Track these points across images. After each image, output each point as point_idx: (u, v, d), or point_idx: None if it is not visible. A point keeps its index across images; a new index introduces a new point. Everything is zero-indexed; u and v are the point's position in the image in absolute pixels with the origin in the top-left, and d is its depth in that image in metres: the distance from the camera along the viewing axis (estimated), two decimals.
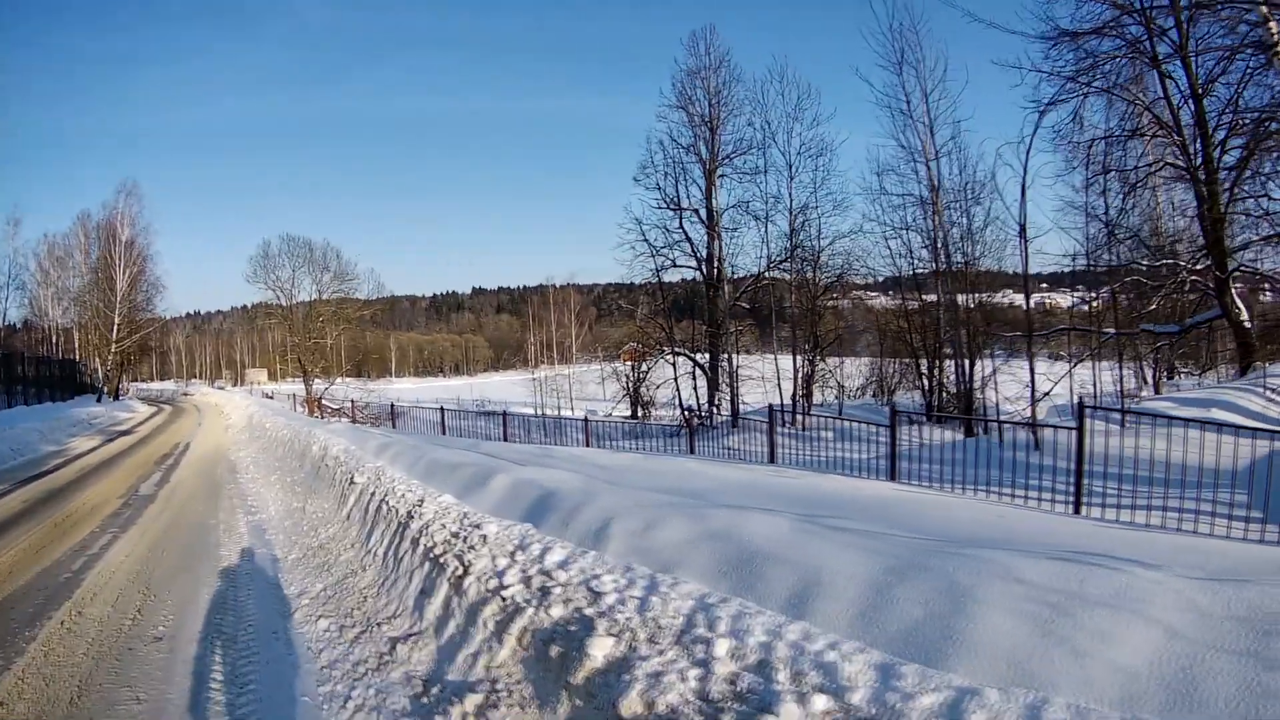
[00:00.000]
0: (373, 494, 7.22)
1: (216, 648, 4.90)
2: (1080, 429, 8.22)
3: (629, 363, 32.14)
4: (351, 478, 8.14)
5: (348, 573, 6.12)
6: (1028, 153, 14.90)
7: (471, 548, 4.64)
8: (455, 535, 5.00)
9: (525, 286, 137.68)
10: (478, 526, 4.94)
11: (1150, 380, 20.89)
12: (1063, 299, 24.22)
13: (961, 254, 21.24)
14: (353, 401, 24.67)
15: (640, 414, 27.87)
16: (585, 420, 17.73)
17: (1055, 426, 10.22)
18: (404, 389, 49.43)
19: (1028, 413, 15.53)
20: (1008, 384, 19.65)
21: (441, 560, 4.79)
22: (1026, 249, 15.29)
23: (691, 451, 14.74)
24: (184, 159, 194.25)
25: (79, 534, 8.28)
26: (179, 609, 5.69)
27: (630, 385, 28.78)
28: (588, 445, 16.00)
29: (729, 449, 15.46)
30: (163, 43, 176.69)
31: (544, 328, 65.87)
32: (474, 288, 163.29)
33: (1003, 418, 14.22)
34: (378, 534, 6.38)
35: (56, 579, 6.54)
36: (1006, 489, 8.55)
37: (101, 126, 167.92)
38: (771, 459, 12.31)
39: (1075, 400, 10.44)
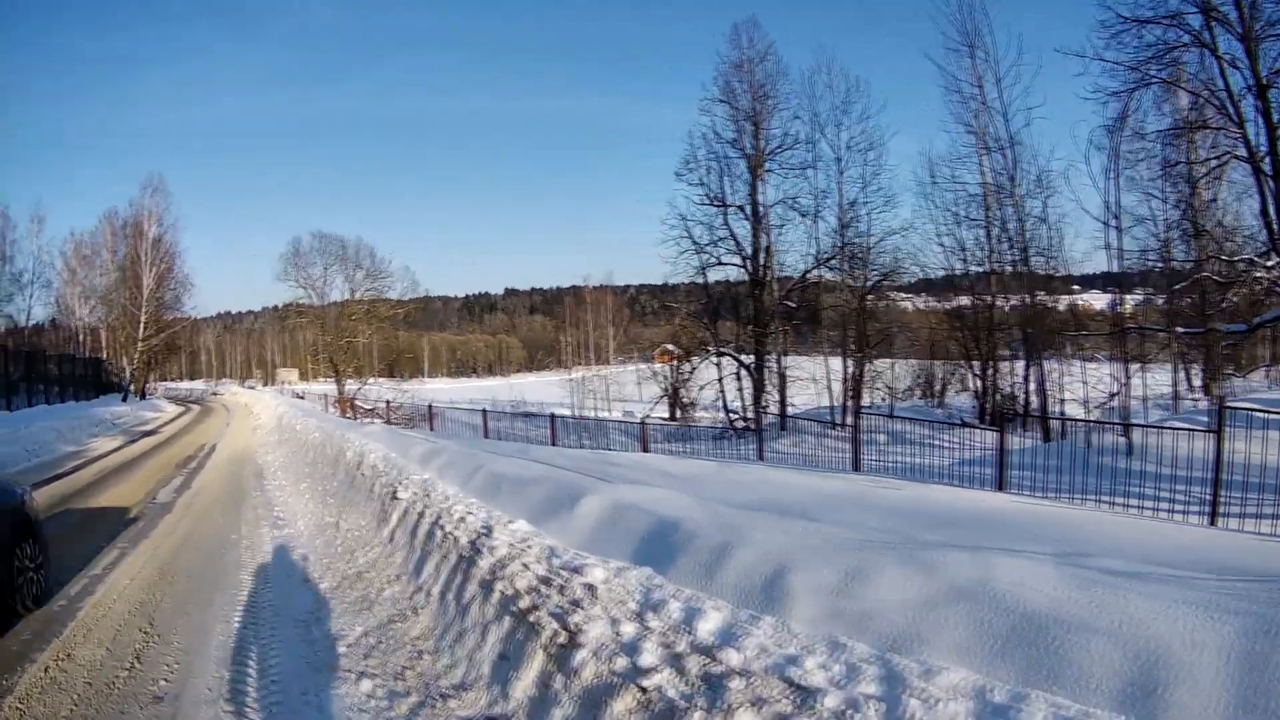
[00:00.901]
0: (421, 514, 6.09)
1: (231, 714, 3.78)
2: (1220, 433, 7.72)
3: (671, 363, 31.25)
4: (394, 491, 7.01)
5: (394, 614, 4.98)
6: (1118, 136, 14.25)
7: (575, 603, 3.44)
8: (545, 582, 3.81)
9: (559, 287, 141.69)
10: (576, 571, 3.74)
11: (1191, 382, 20.34)
12: (1096, 300, 23.10)
13: (1030, 248, 20.12)
14: (387, 402, 23.48)
15: (679, 416, 27.10)
16: (642, 423, 16.61)
17: (1190, 430, 9.16)
18: (438, 389, 48.44)
19: (1092, 415, 14.72)
20: (1070, 385, 19.01)
21: (532, 619, 3.60)
22: (1121, 239, 14.57)
23: (761, 457, 13.72)
24: (214, 159, 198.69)
25: (83, 550, 7.29)
26: (187, 655, 4.63)
27: (670, 386, 28.24)
28: (645, 450, 14.86)
29: (784, 453, 14.51)
30: (171, 41, 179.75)
31: (580, 328, 64.54)
32: (506, 288, 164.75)
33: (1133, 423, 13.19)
34: (431, 567, 5.23)
35: (49, 608, 5.54)
36: (1116, 499, 8.15)
37: (132, 126, 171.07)
38: (856, 466, 11.48)
39: (1216, 403, 9.69)
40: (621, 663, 2.89)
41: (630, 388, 45.23)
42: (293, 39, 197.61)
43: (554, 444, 15.42)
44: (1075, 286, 24.64)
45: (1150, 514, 7.61)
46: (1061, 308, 21.99)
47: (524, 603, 3.74)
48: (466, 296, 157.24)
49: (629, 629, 3.06)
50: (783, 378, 23.56)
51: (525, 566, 4.05)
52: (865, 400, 23.70)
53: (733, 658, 2.62)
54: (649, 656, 2.84)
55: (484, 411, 17.63)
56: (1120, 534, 5.71)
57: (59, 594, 5.83)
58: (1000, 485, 8.99)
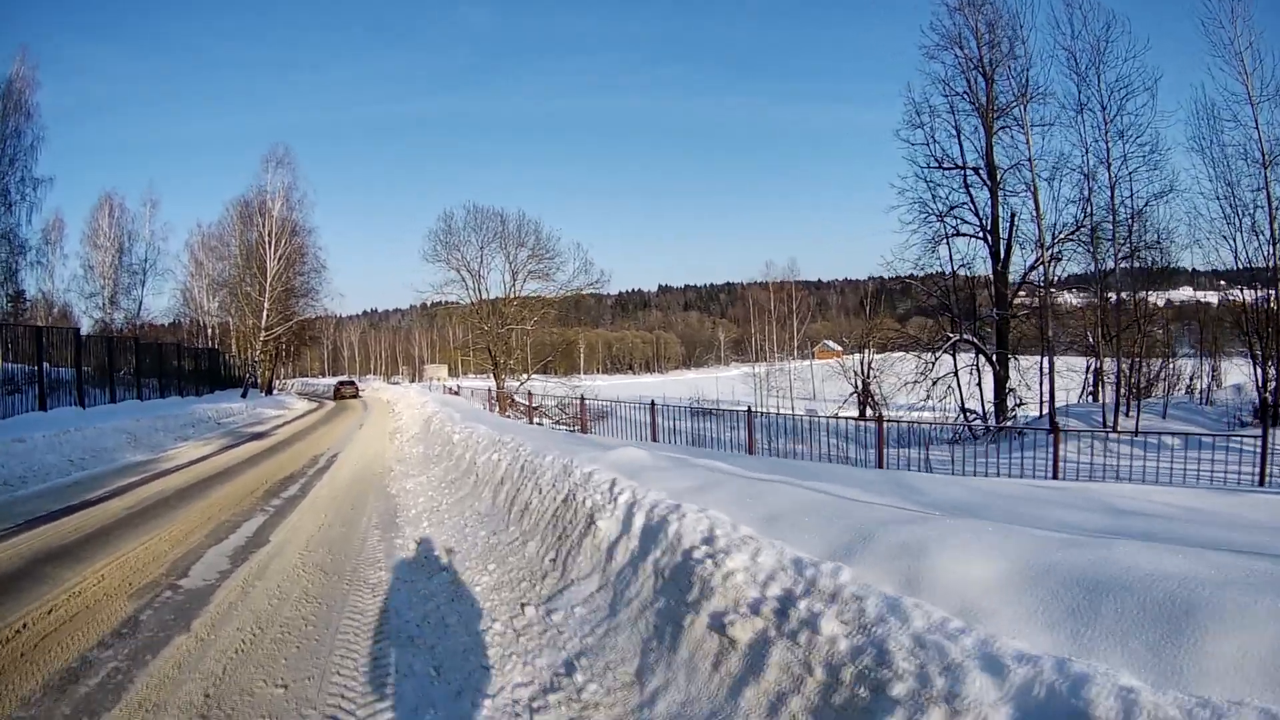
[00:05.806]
0: None
1: None
2: None
3: (842, 357, 32.27)
4: None
5: None
6: None
7: None
8: None
9: (713, 284, 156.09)
10: None
11: None
12: None
13: None
14: (581, 399, 18.43)
15: (868, 414, 26.48)
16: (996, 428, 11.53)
17: None
18: (598, 387, 44.68)
19: None
20: None
21: None
22: None
23: (1262, 482, 9.41)
24: (366, 159, 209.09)
25: None
26: None
27: (861, 382, 28.49)
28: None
29: (1099, 465, 11.24)
30: (326, 45, 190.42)
31: (766, 319, 59.34)
32: (660, 285, 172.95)
33: None
34: None
35: None
36: None
37: (287, 127, 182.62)
38: None
39: None
40: None
41: (814, 383, 47.55)
42: (446, 43, 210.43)
43: (881, 465, 10.40)
44: None
45: None
46: None
47: None
48: (619, 294, 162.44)
49: None
50: (1052, 371, 20.55)
51: None
52: (1102, 399, 21.46)
53: None
54: None
55: (748, 411, 12.04)
56: None
57: None
58: None
